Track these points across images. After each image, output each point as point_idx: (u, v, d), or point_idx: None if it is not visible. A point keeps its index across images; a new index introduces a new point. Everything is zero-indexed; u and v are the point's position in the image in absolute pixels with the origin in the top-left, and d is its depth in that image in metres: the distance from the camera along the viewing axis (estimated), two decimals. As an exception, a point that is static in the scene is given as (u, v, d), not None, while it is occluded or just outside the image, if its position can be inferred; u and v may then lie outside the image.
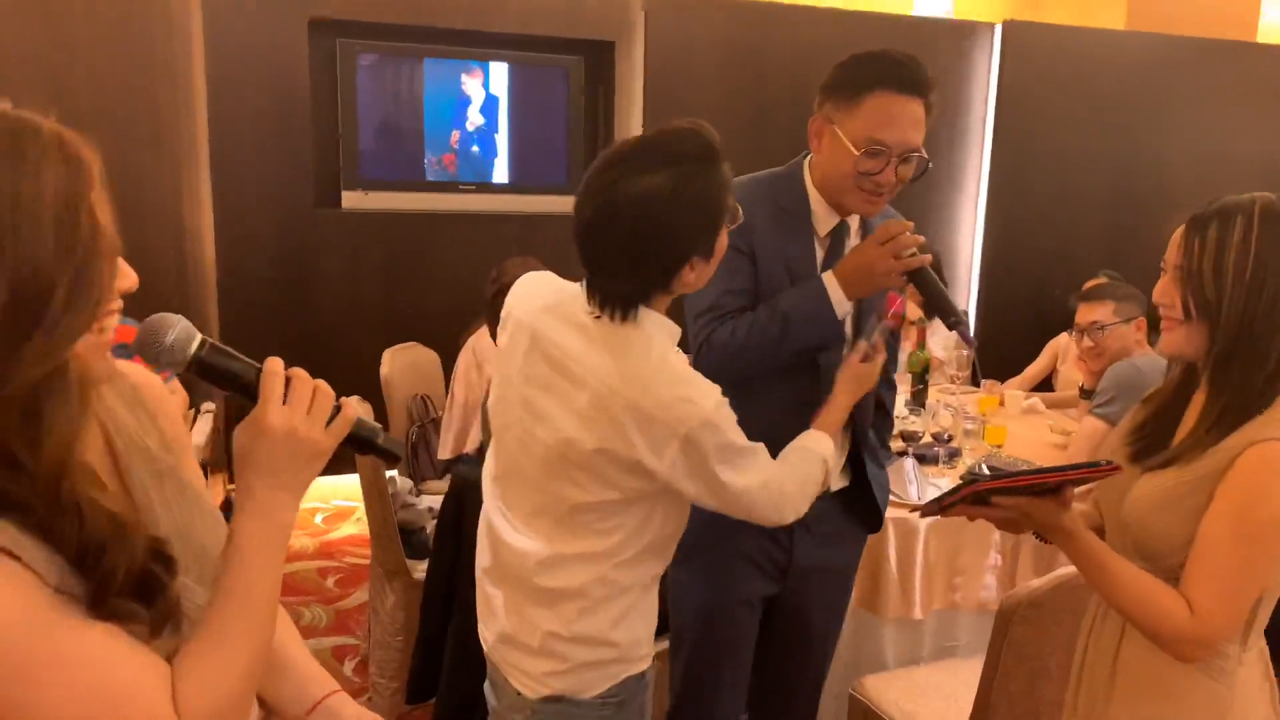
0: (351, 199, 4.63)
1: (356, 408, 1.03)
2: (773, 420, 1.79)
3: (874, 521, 2.13)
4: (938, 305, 1.81)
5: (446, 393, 3.81)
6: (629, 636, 1.62)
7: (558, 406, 1.53)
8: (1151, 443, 1.48)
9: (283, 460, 0.97)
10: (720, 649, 2.11)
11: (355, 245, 4.62)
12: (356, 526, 4.36)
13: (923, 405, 3.46)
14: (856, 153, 1.79)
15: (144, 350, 0.96)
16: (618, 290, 1.50)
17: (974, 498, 1.42)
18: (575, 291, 1.57)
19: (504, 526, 1.65)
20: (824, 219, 1.94)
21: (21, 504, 0.83)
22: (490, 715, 1.77)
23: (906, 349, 4.04)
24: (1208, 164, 5.91)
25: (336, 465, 1.06)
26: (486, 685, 1.77)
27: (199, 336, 0.98)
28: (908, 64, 1.81)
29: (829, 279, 1.82)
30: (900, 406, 3.33)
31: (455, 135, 4.81)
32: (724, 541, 2.00)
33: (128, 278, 0.92)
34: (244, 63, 4.31)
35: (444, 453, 3.69)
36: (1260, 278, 1.34)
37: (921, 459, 2.91)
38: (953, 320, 1.80)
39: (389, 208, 4.69)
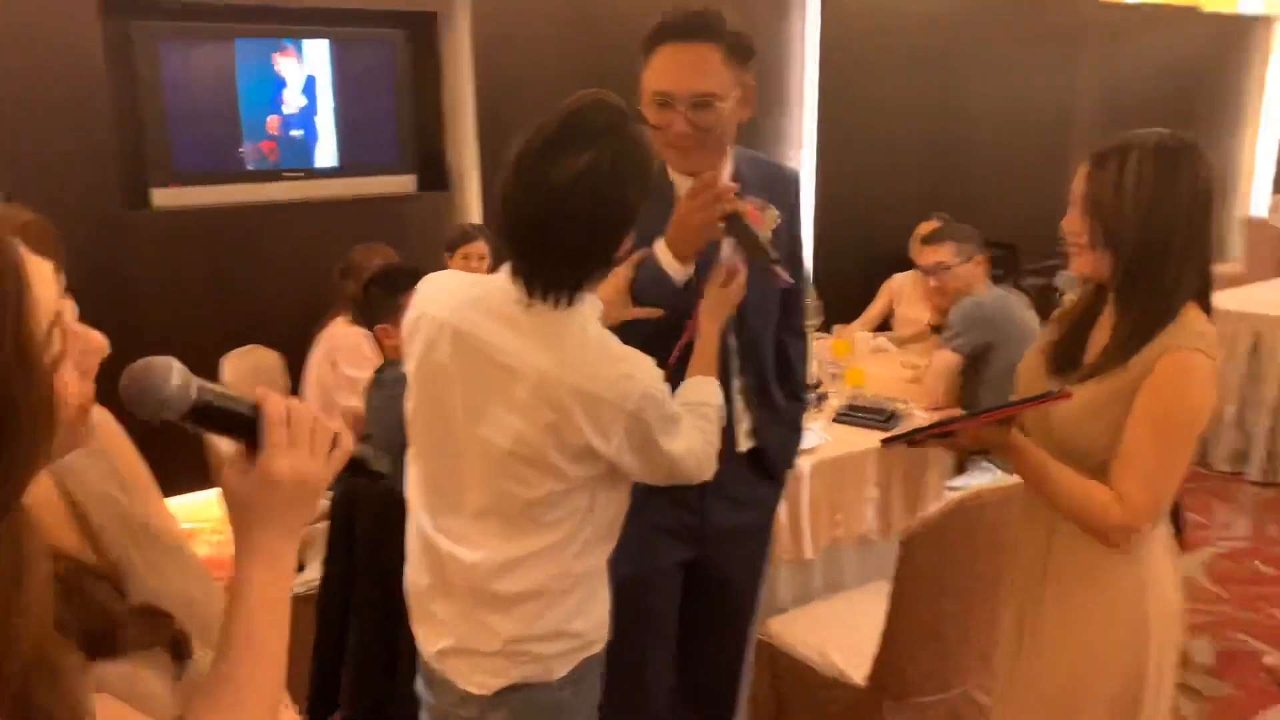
0: (163, 196, 4.31)
1: (349, 434, 0.98)
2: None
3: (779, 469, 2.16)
4: (749, 249, 1.80)
5: (295, 394, 3.66)
6: (589, 623, 1.63)
7: (497, 404, 1.50)
8: (1066, 360, 1.64)
9: (292, 507, 0.92)
10: (643, 619, 2.09)
11: (173, 246, 4.31)
12: (206, 548, 4.02)
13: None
14: (648, 108, 1.83)
15: (140, 404, 0.85)
16: (568, 277, 1.49)
17: (946, 433, 1.58)
18: (497, 284, 1.54)
19: (444, 540, 1.60)
20: (684, 187, 1.91)
21: None
22: (427, 710, 1.73)
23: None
24: (1010, 106, 6.30)
25: (178, 485, 0.96)
26: (420, 685, 1.73)
27: (192, 376, 0.88)
28: (689, 13, 1.83)
29: (659, 245, 1.82)
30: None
31: (274, 120, 4.59)
32: (636, 514, 1.96)
33: (94, 341, 0.80)
34: (30, 53, 3.93)
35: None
36: (1155, 205, 1.50)
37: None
38: (764, 261, 1.79)
39: (206, 203, 4.40)
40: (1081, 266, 1.60)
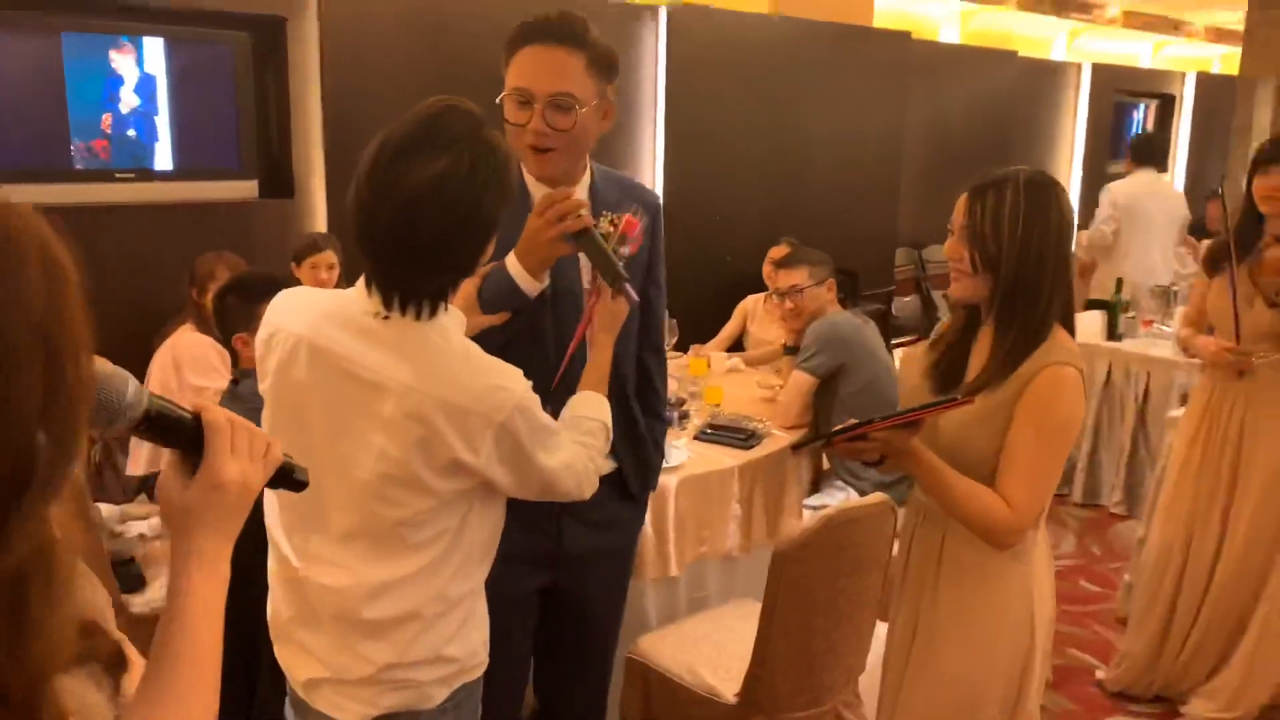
0: (-18, 193, 4.05)
1: (279, 443, 0.99)
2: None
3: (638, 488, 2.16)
4: (600, 266, 1.81)
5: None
6: (466, 648, 1.60)
7: (360, 420, 1.45)
8: (949, 378, 1.78)
9: (233, 512, 0.93)
10: (494, 645, 1.98)
11: (-8, 246, 4.03)
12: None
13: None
14: (505, 106, 1.84)
15: (101, 412, 0.84)
16: (427, 286, 1.45)
17: (858, 435, 1.66)
18: (350, 296, 1.50)
19: (308, 567, 1.54)
20: (538, 192, 1.92)
21: None
22: None
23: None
24: (842, 136, 6.55)
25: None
26: (289, 712, 1.67)
27: (143, 386, 0.89)
28: (553, 18, 1.86)
29: (510, 258, 1.82)
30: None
31: (107, 118, 4.33)
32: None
33: None
34: None
35: (136, 468, 3.38)
36: (1029, 235, 1.65)
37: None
38: (613, 279, 1.80)
39: (29, 201, 4.12)
40: (962, 290, 1.74)
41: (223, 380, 2.98)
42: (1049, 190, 1.69)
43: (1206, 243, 3.70)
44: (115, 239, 4.25)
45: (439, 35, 4.80)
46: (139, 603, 2.71)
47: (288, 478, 1.02)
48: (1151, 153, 5.77)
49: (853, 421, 1.66)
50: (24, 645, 0.66)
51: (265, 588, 1.65)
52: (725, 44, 5.83)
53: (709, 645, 2.50)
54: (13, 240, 0.70)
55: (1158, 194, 5.69)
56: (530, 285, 1.80)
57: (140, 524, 2.93)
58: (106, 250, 4.23)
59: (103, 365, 0.84)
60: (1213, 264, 2.93)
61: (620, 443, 2.04)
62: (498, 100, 1.85)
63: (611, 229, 1.85)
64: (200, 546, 0.90)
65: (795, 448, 1.80)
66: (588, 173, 2.00)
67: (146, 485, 3.37)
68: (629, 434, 2.09)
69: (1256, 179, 2.82)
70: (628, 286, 1.80)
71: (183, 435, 0.92)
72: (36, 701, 0.68)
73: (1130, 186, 5.61)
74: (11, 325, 0.67)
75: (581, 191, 1.97)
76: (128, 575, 2.78)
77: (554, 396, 1.90)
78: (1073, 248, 1.75)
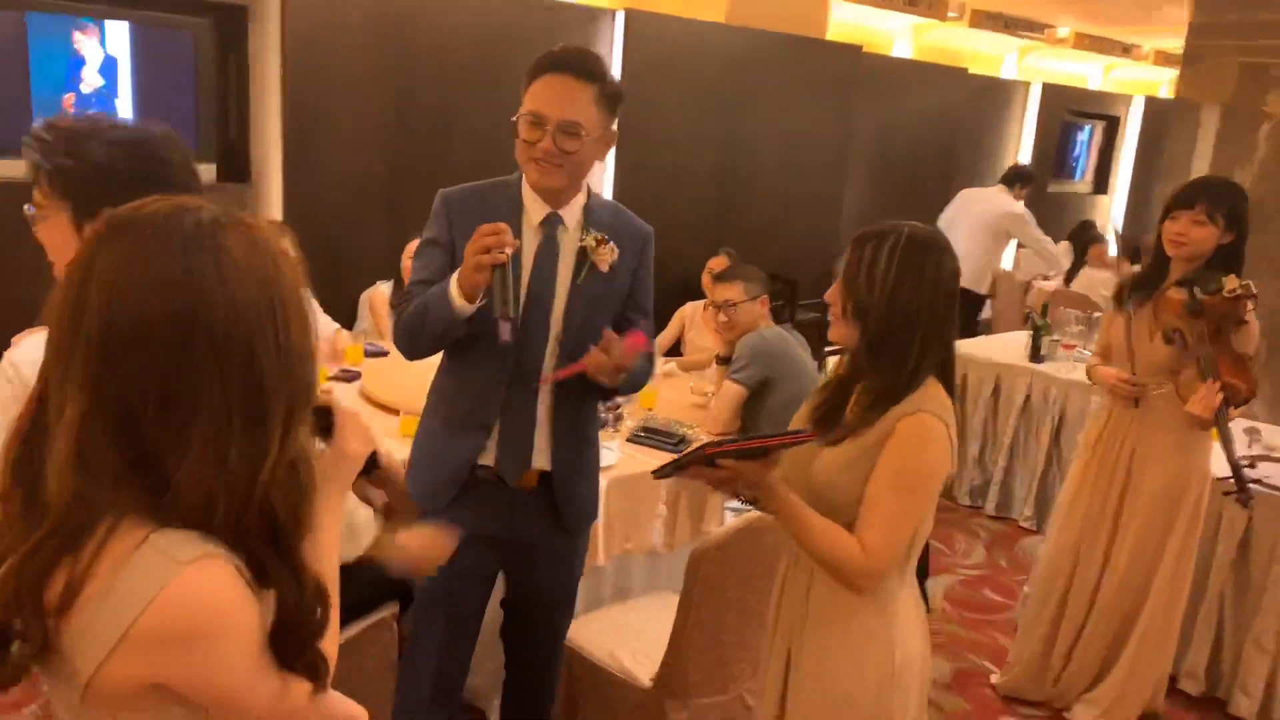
0: (-60, 166, 4.10)
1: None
2: (477, 399, 2.17)
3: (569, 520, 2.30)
4: (495, 297, 1.97)
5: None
6: None
7: None
8: (828, 421, 1.82)
9: (351, 475, 1.22)
10: (447, 618, 2.30)
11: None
12: None
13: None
14: (520, 124, 2.06)
15: None
16: None
17: (706, 460, 1.67)
18: None
19: None
20: (535, 210, 2.16)
21: (257, 557, 0.99)
22: None
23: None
24: (789, 146, 6.72)
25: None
26: None
27: None
28: (572, 52, 2.07)
29: (454, 276, 2.02)
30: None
31: (70, 98, 4.40)
32: (452, 519, 2.12)
33: None
34: None
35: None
36: (898, 290, 1.71)
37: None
38: (500, 312, 1.96)
39: (-11, 176, 4.20)
40: (836, 334, 1.81)
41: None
42: (929, 249, 1.74)
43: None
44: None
45: (399, 29, 4.90)
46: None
47: (374, 462, 1.29)
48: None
49: (698, 446, 1.68)
50: (297, 510, 1.01)
51: None
52: (679, 50, 5.97)
53: (630, 633, 2.67)
54: (267, 238, 1.01)
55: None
56: (460, 305, 2.00)
57: None
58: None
59: None
60: (1119, 299, 3.14)
61: (561, 455, 2.22)
62: (513, 119, 2.07)
63: (593, 243, 2.13)
64: (330, 499, 1.16)
65: (657, 474, 1.77)
66: (584, 194, 2.19)
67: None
68: (573, 450, 2.25)
69: (1166, 223, 2.97)
70: (505, 325, 1.96)
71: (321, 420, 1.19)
72: (302, 549, 1.03)
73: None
74: (288, 288, 0.99)
75: (575, 211, 2.17)
76: None
77: (514, 393, 2.15)
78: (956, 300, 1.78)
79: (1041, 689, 3.34)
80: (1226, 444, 2.83)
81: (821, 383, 1.94)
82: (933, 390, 1.74)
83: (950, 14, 8.79)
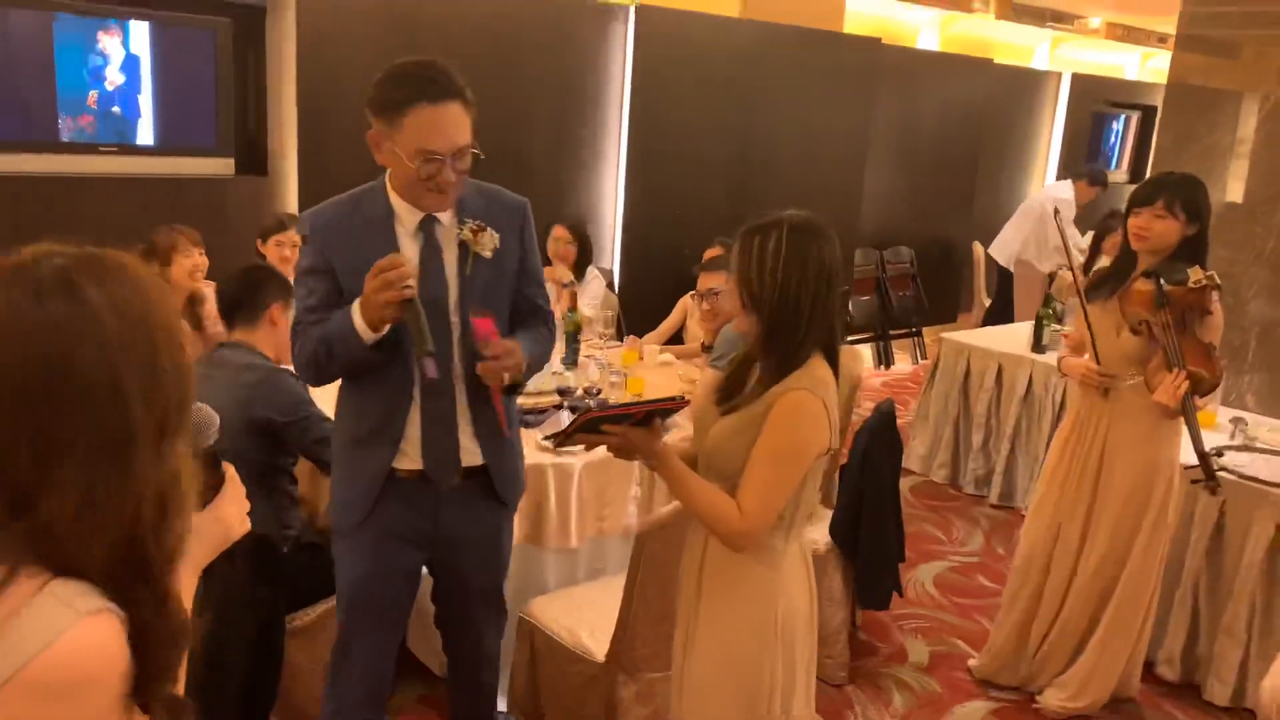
0: (-28, 160, 4.32)
1: None
2: (384, 409, 2.17)
3: (506, 497, 2.36)
4: (413, 338, 2.00)
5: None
6: None
7: None
8: (730, 394, 1.96)
9: (219, 545, 1.20)
10: (375, 613, 2.33)
11: (-16, 210, 4.31)
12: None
13: (575, 362, 3.87)
14: (413, 165, 2.02)
15: (198, 438, 1.14)
16: None
17: (589, 425, 1.80)
18: None
19: None
20: (408, 217, 2.16)
21: (127, 595, 0.98)
22: None
23: (560, 311, 4.45)
24: (807, 138, 6.77)
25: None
26: None
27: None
28: (435, 75, 2.03)
29: (354, 306, 2.04)
30: (555, 363, 3.71)
31: (94, 95, 4.59)
32: (372, 518, 2.22)
33: None
34: None
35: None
36: (786, 278, 1.82)
37: (574, 409, 3.29)
38: (421, 350, 1.98)
39: (17, 170, 4.41)
40: (739, 325, 1.92)
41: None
42: (811, 237, 1.83)
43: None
44: (98, 209, 4.53)
45: (412, 27, 5.04)
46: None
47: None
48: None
49: (585, 411, 1.80)
50: (163, 536, 1.00)
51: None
52: (693, 45, 6.03)
53: (592, 610, 2.77)
54: (126, 271, 1.02)
55: None
56: (367, 334, 2.04)
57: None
58: (89, 219, 4.50)
59: (201, 406, 1.17)
60: (1086, 293, 3.18)
61: (488, 444, 2.26)
62: (411, 159, 2.02)
63: (471, 234, 2.13)
64: (193, 557, 1.13)
65: (552, 440, 1.92)
66: None
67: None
68: (496, 435, 2.27)
69: (1130, 218, 3.04)
70: (429, 362, 1.98)
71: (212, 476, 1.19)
72: (170, 578, 1.01)
73: None
74: (153, 317, 1.00)
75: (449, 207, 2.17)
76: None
77: (429, 401, 2.16)
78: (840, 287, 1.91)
79: (1016, 674, 3.39)
80: (1194, 432, 2.89)
81: (730, 359, 2.07)
82: (815, 365, 1.86)
83: (976, 5, 8.75)
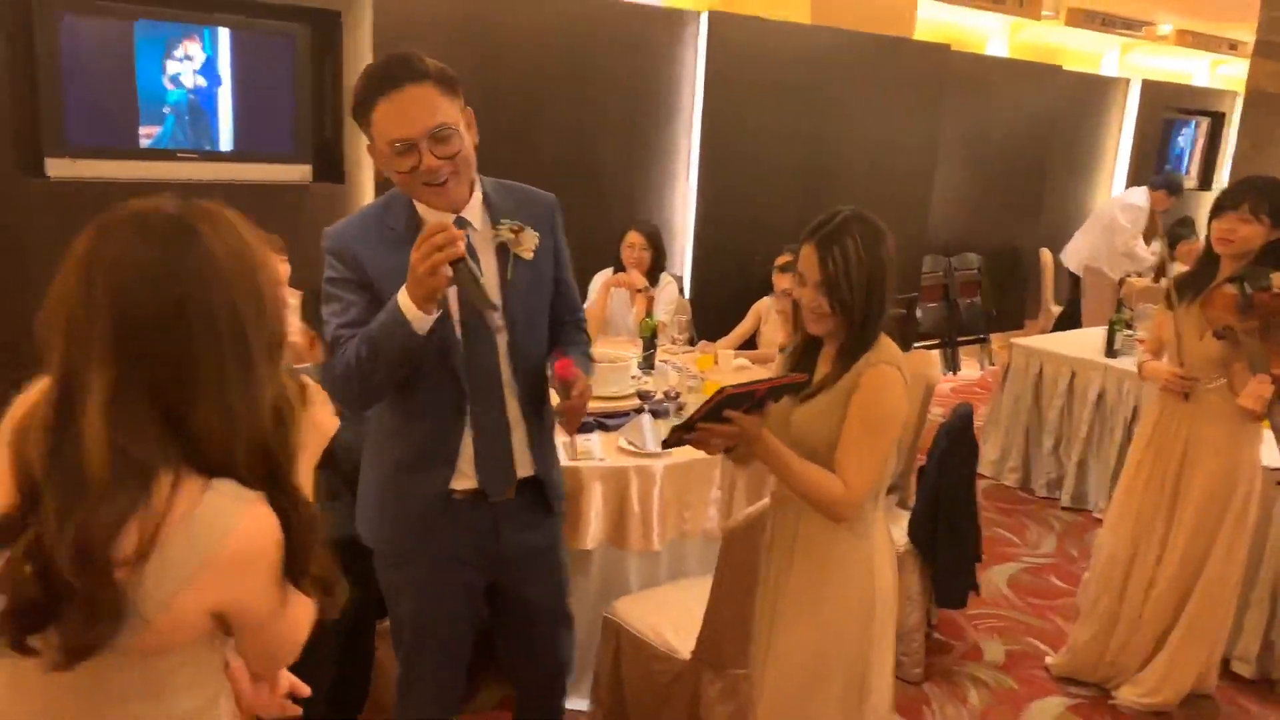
0: (58, 166, 4.41)
1: None
2: (434, 428, 2.05)
3: (555, 505, 2.25)
4: (472, 296, 1.87)
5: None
6: None
7: None
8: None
9: (320, 445, 1.36)
10: (439, 642, 2.23)
11: (67, 216, 4.41)
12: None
13: (652, 366, 3.87)
14: (390, 158, 1.90)
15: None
16: None
17: (714, 410, 1.84)
18: None
19: None
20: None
21: (264, 489, 1.16)
22: None
23: (636, 315, 4.46)
24: (876, 144, 6.74)
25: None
26: None
27: None
28: (391, 63, 1.90)
29: (401, 294, 1.87)
30: (634, 368, 3.72)
31: (173, 101, 4.69)
32: (433, 545, 2.11)
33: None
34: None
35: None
36: (871, 279, 1.93)
37: (655, 414, 3.30)
38: (482, 304, 1.85)
39: (101, 176, 4.50)
40: (821, 329, 2.00)
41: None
42: (878, 231, 1.95)
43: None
44: (178, 214, 4.61)
45: (485, 31, 5.09)
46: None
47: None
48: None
49: (713, 395, 1.82)
50: (285, 438, 1.19)
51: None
52: (763, 50, 6.04)
53: (677, 610, 2.77)
54: (229, 218, 1.20)
55: None
56: (418, 319, 1.86)
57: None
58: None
59: None
60: (1169, 298, 3.14)
61: (539, 454, 2.16)
62: (384, 151, 1.90)
63: (512, 235, 2.02)
64: (302, 463, 1.28)
65: (665, 444, 1.94)
66: (478, 187, 2.06)
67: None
68: (547, 444, 2.19)
69: (1213, 223, 3.03)
70: (494, 315, 1.87)
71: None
72: (293, 474, 1.20)
73: None
74: (256, 255, 1.18)
75: (476, 208, 2.04)
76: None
77: (480, 413, 2.06)
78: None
79: (1095, 671, 3.38)
80: (1278, 435, 2.88)
81: (788, 348, 2.16)
82: (885, 342, 1.99)
83: (1045, 12, 8.65)
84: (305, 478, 1.28)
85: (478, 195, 2.06)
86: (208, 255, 1.12)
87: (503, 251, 2.06)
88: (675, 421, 3.40)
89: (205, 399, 1.11)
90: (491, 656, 2.51)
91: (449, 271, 1.82)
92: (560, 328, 2.26)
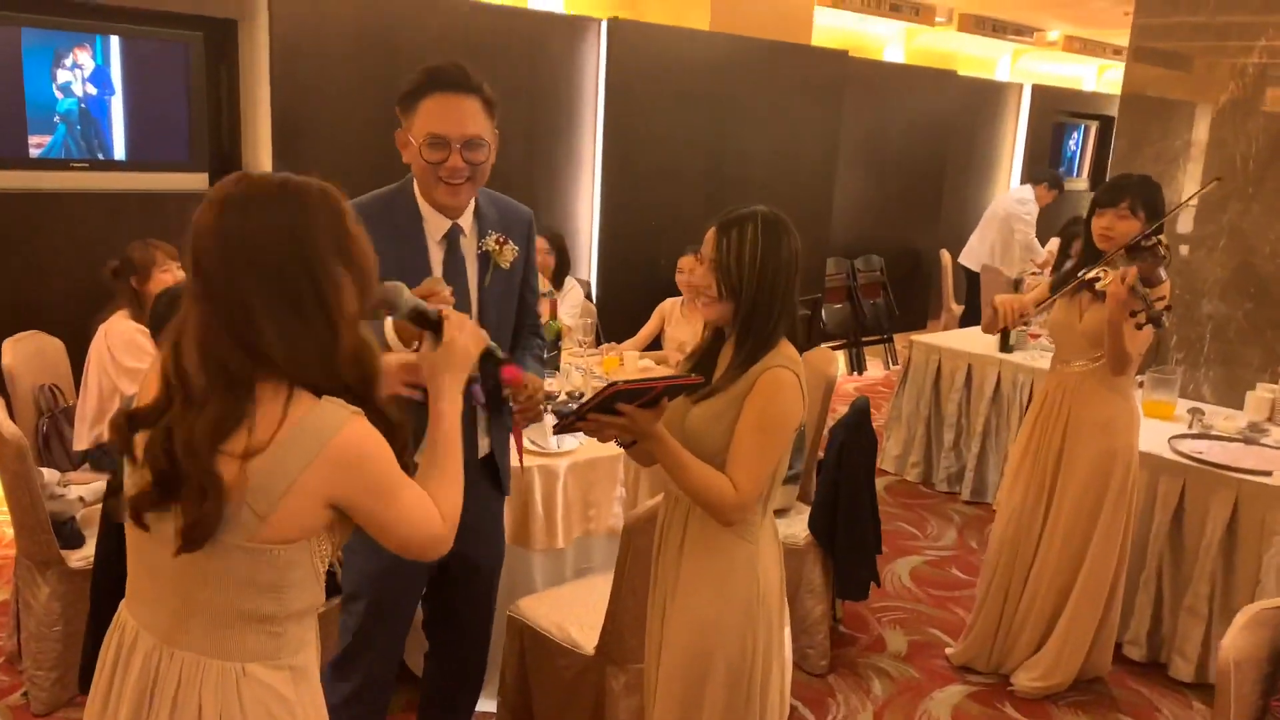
0: (-56, 178, 4.29)
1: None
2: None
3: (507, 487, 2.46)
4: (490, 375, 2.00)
5: (77, 382, 3.72)
6: None
7: None
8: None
9: (461, 367, 1.64)
10: (393, 603, 2.34)
11: (-47, 228, 4.28)
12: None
13: (557, 368, 3.90)
14: (421, 151, 2.09)
15: (387, 304, 1.65)
16: None
17: (606, 403, 1.83)
18: None
19: None
20: (435, 225, 2.20)
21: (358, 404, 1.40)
22: None
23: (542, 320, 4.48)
24: (778, 149, 6.85)
25: None
26: None
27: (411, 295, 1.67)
28: (452, 69, 2.11)
29: (387, 325, 1.96)
30: (535, 368, 3.74)
31: (64, 110, 4.58)
32: None
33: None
34: None
35: (80, 444, 3.61)
36: (764, 267, 1.94)
37: (560, 415, 3.30)
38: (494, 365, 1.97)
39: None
40: (710, 313, 2.01)
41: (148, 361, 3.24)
42: (783, 230, 1.96)
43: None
44: (70, 225, 4.51)
45: (385, 39, 5.06)
46: (76, 558, 2.98)
47: (491, 355, 1.78)
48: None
49: (605, 387, 1.81)
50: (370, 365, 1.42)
51: None
52: (663, 57, 6.10)
53: (581, 606, 2.80)
54: (324, 188, 1.42)
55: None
56: (399, 348, 1.94)
57: (81, 488, 3.19)
58: (61, 235, 4.49)
59: (390, 282, 1.63)
60: (1054, 289, 3.28)
61: (495, 438, 2.34)
62: (421, 141, 2.07)
63: (496, 247, 2.24)
64: (445, 387, 1.60)
65: (557, 429, 1.98)
66: (474, 198, 2.25)
67: (90, 457, 3.61)
68: (502, 431, 2.35)
69: (1094, 219, 3.19)
70: (476, 388, 1.98)
71: (432, 324, 1.66)
72: (375, 394, 1.43)
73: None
74: (348, 222, 1.41)
75: (468, 216, 2.23)
76: (68, 534, 3.05)
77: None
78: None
79: (990, 658, 3.49)
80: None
81: (688, 354, 2.16)
82: (784, 346, 1.98)
83: (939, 19, 8.91)
84: (451, 401, 1.61)
85: (472, 205, 2.24)
86: (306, 218, 1.36)
87: (484, 259, 2.25)
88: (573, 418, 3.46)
89: (266, 332, 1.33)
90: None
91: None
92: (519, 333, 2.43)
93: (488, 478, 2.39)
